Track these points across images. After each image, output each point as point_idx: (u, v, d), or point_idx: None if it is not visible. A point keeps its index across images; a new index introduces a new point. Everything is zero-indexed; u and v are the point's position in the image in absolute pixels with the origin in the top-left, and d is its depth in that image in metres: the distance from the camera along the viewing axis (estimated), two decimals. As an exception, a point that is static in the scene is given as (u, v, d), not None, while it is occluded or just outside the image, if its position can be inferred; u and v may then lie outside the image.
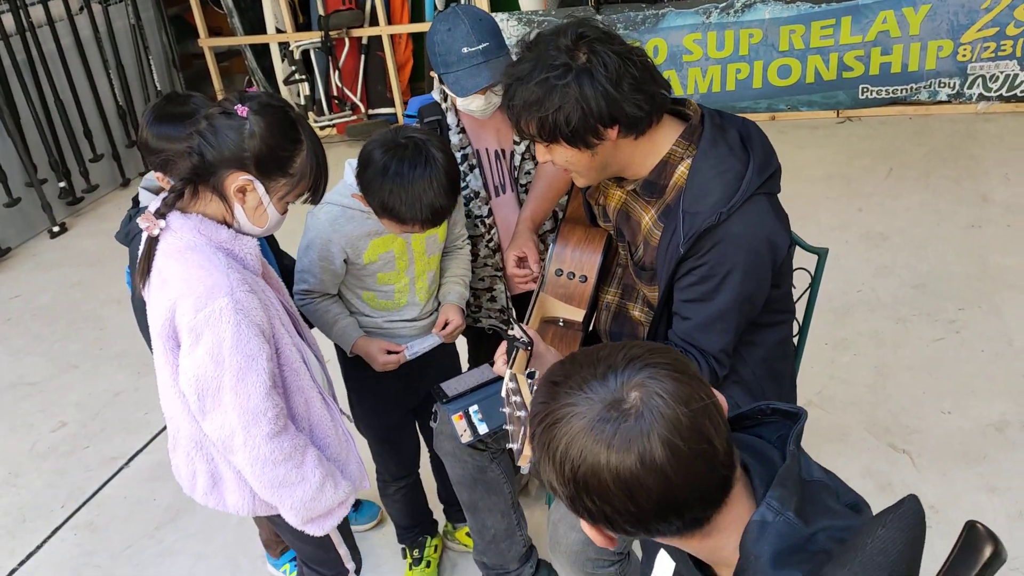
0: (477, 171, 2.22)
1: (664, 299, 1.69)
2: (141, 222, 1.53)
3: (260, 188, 1.52)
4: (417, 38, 5.81)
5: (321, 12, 5.62)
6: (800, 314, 2.07)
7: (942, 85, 5.01)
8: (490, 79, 2.01)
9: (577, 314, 1.93)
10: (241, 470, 1.58)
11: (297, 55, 5.78)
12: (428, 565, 2.44)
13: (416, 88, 6.00)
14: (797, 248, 1.92)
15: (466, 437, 1.89)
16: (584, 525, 1.04)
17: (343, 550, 1.84)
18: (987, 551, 0.92)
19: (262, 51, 6.11)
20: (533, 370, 1.51)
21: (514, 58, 1.62)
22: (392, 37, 5.64)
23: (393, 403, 2.26)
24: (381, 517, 2.68)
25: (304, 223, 2.05)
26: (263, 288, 1.59)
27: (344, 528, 1.83)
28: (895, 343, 3.19)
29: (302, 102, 5.89)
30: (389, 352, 2.10)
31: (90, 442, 3.27)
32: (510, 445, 1.40)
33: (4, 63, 4.84)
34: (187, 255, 1.49)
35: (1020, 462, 2.59)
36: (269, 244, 2.21)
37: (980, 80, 4.94)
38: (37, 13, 5.05)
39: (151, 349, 1.67)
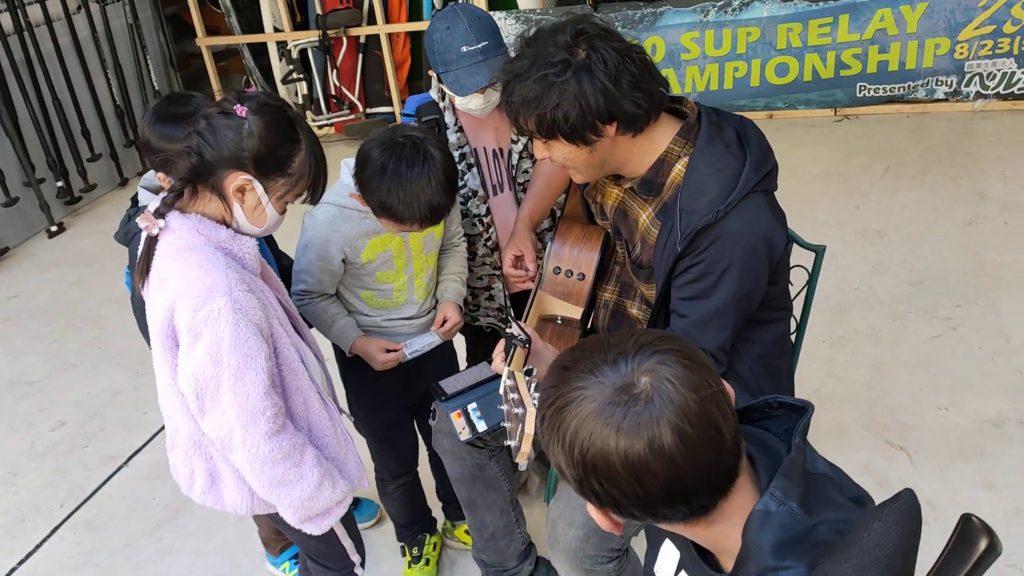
0: (475, 170, 2.22)
1: (661, 297, 1.69)
2: (140, 221, 1.54)
3: (259, 188, 1.53)
4: (415, 37, 5.81)
5: (319, 11, 5.62)
6: (797, 312, 2.07)
7: (939, 83, 5.01)
8: (489, 78, 2.01)
9: (575, 312, 1.94)
10: (239, 469, 1.59)
11: (295, 54, 5.78)
12: (427, 563, 2.44)
13: (414, 87, 6.00)
14: (795, 246, 1.93)
15: (465, 435, 1.89)
16: (591, 509, 1.05)
17: (347, 543, 1.84)
18: (982, 544, 0.93)
19: (260, 50, 6.11)
20: (531, 367, 1.51)
21: (512, 56, 1.62)
22: (390, 36, 5.65)
23: (391, 402, 2.26)
24: (380, 515, 2.68)
25: (301, 223, 2.05)
26: (261, 288, 1.59)
27: (348, 521, 1.84)
28: (892, 340, 3.20)
29: (300, 101, 5.90)
30: (388, 351, 2.10)
31: (89, 441, 3.27)
32: (508, 442, 1.40)
33: (2, 63, 4.84)
34: (186, 255, 1.50)
35: (1017, 458, 2.60)
36: (268, 244, 2.21)
37: (977, 78, 4.95)
38: (35, 12, 5.05)
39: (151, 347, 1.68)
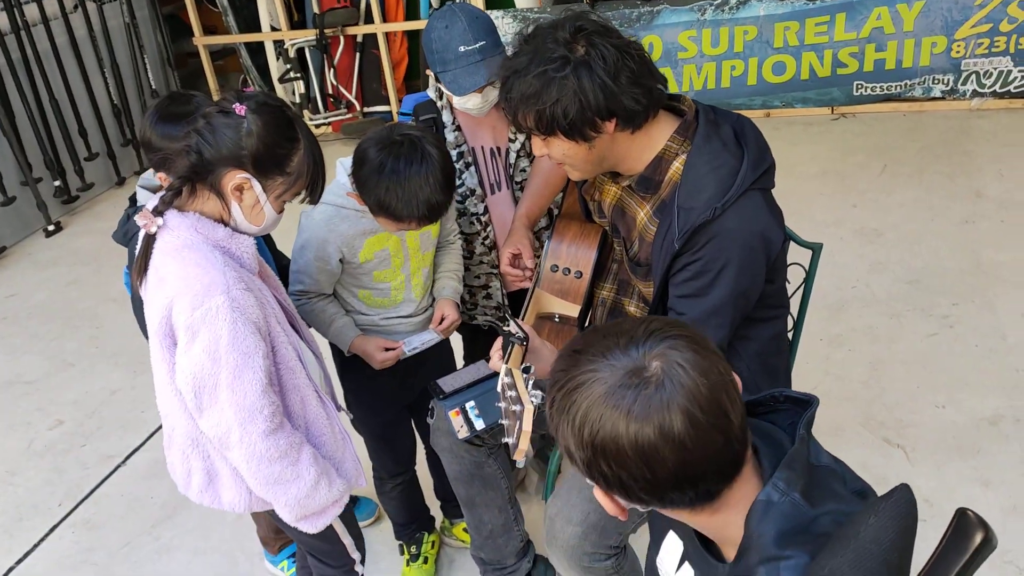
0: (473, 168, 2.23)
1: (659, 295, 1.69)
2: (138, 219, 1.54)
3: (257, 186, 1.53)
4: (412, 36, 5.81)
5: (316, 10, 5.62)
6: (795, 309, 2.08)
7: (936, 81, 5.02)
8: (487, 77, 2.01)
9: (573, 310, 1.94)
10: (237, 467, 1.59)
11: (292, 53, 5.77)
12: (426, 561, 2.45)
13: (411, 86, 6.01)
14: (791, 244, 1.93)
15: (463, 433, 1.90)
16: (597, 493, 1.06)
17: (347, 541, 1.85)
18: (978, 537, 0.93)
19: (257, 49, 6.10)
20: (529, 365, 1.51)
21: (511, 53, 1.62)
22: (387, 35, 5.65)
23: (389, 400, 2.26)
24: (378, 514, 2.69)
25: (298, 224, 2.05)
26: (259, 287, 1.59)
27: (348, 519, 1.84)
28: (889, 338, 3.21)
29: (297, 100, 5.89)
30: (386, 349, 2.11)
31: (87, 440, 3.27)
32: (506, 439, 1.40)
33: (-1, 62, 4.84)
34: (184, 253, 1.50)
35: (1013, 456, 2.60)
36: (267, 244, 2.21)
37: (974, 76, 4.96)
38: (32, 11, 5.04)
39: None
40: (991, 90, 4.97)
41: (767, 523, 0.98)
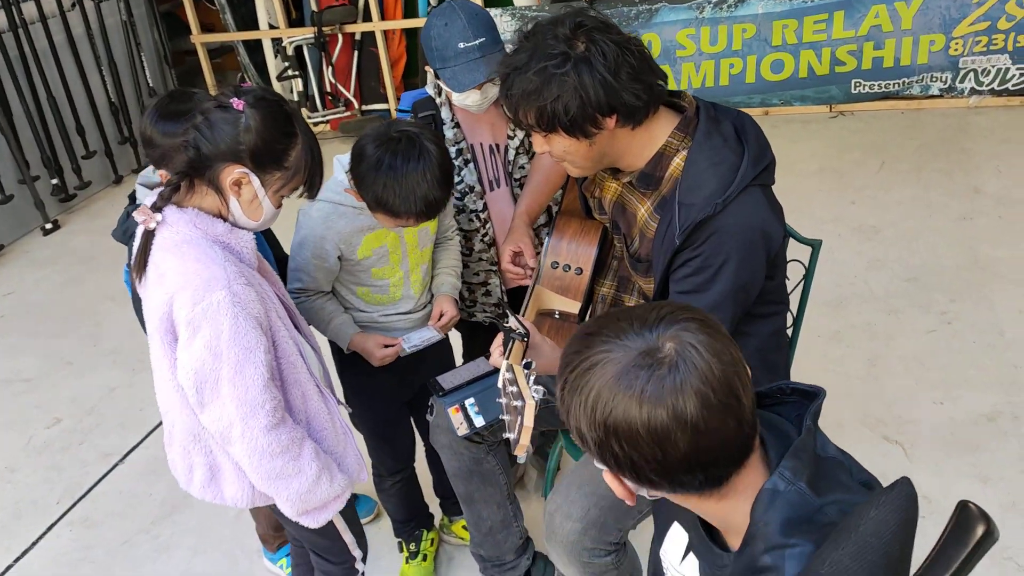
0: (472, 166, 2.23)
1: (660, 291, 1.69)
2: (137, 216, 1.54)
3: (256, 181, 1.53)
4: (410, 34, 5.81)
5: (314, 8, 5.61)
6: (794, 306, 2.08)
7: (934, 79, 5.02)
8: (487, 74, 2.01)
9: (573, 306, 1.94)
10: (238, 462, 1.59)
11: (290, 51, 5.77)
12: (425, 559, 2.45)
13: (409, 84, 6.00)
14: (791, 240, 1.93)
15: (462, 430, 1.90)
16: (606, 475, 1.06)
17: (349, 537, 1.85)
18: (979, 530, 0.94)
19: (255, 47, 6.09)
20: (530, 360, 1.51)
21: (511, 50, 1.62)
22: (385, 33, 5.64)
23: (388, 398, 2.26)
24: (377, 512, 2.69)
25: (296, 221, 2.05)
26: (259, 282, 1.59)
27: (350, 516, 1.84)
28: (888, 335, 3.21)
29: (295, 98, 5.89)
30: (386, 346, 2.10)
31: (85, 438, 3.27)
32: (507, 435, 1.40)
33: (-4, 60, 4.83)
34: (183, 249, 1.50)
35: (1012, 452, 2.61)
36: (265, 238, 2.21)
37: (972, 74, 4.96)
38: (29, 10, 5.03)
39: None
40: (989, 88, 4.98)
41: (773, 511, 0.99)
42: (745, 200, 1.57)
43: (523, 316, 1.86)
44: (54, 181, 5.20)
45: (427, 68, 2.14)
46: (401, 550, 2.48)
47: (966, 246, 3.69)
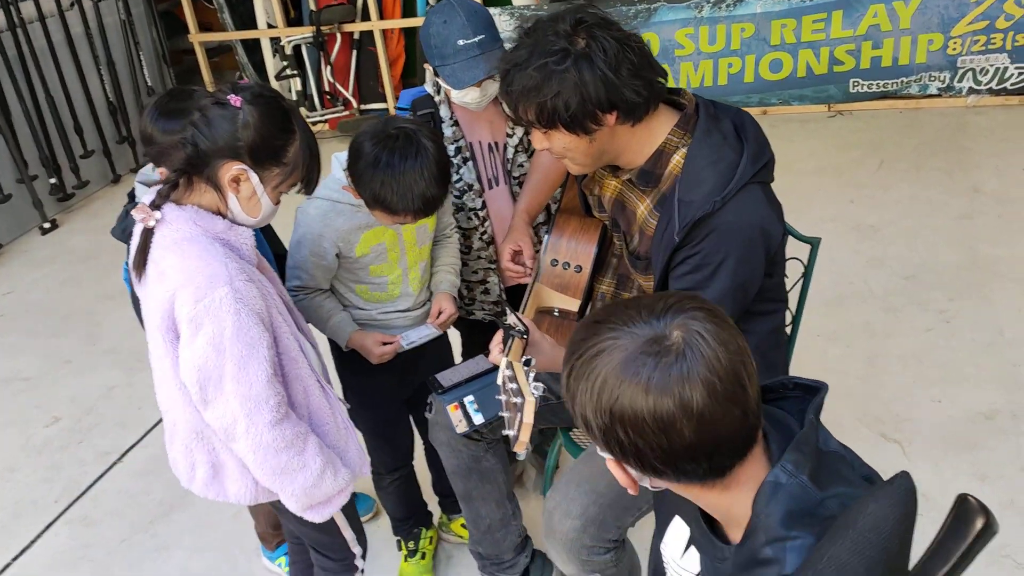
0: (470, 164, 2.22)
1: (659, 288, 1.69)
2: (136, 214, 1.53)
3: (254, 178, 1.53)
4: (409, 33, 5.81)
5: (313, 7, 5.61)
6: (793, 304, 2.08)
7: (932, 79, 5.03)
8: (486, 71, 2.01)
9: (572, 304, 1.94)
10: (243, 458, 1.59)
11: (288, 50, 5.77)
12: (423, 557, 2.45)
13: (408, 83, 5.99)
14: (790, 238, 1.93)
15: (461, 427, 1.90)
16: (610, 463, 1.06)
17: (349, 534, 1.85)
18: (978, 523, 0.94)
19: (253, 46, 6.09)
20: (529, 358, 1.51)
21: (511, 46, 1.62)
22: (384, 32, 5.64)
23: (387, 396, 2.26)
24: (376, 510, 2.69)
25: (294, 219, 2.05)
26: (260, 278, 1.59)
27: (350, 512, 1.84)
28: (886, 334, 3.21)
29: (294, 97, 5.88)
30: (384, 343, 2.10)
31: (84, 437, 3.26)
32: (506, 431, 1.40)
33: (-6, 59, 4.83)
34: (184, 246, 1.50)
35: (1010, 450, 2.61)
36: (265, 234, 2.21)
37: (970, 73, 4.96)
38: (28, 9, 5.02)
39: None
40: (987, 87, 4.98)
41: (775, 504, 0.99)
42: (744, 197, 1.57)
43: (523, 314, 1.86)
44: (52, 180, 5.19)
45: (426, 66, 2.14)
46: (400, 548, 2.47)
47: (965, 245, 3.69)
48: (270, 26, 5.83)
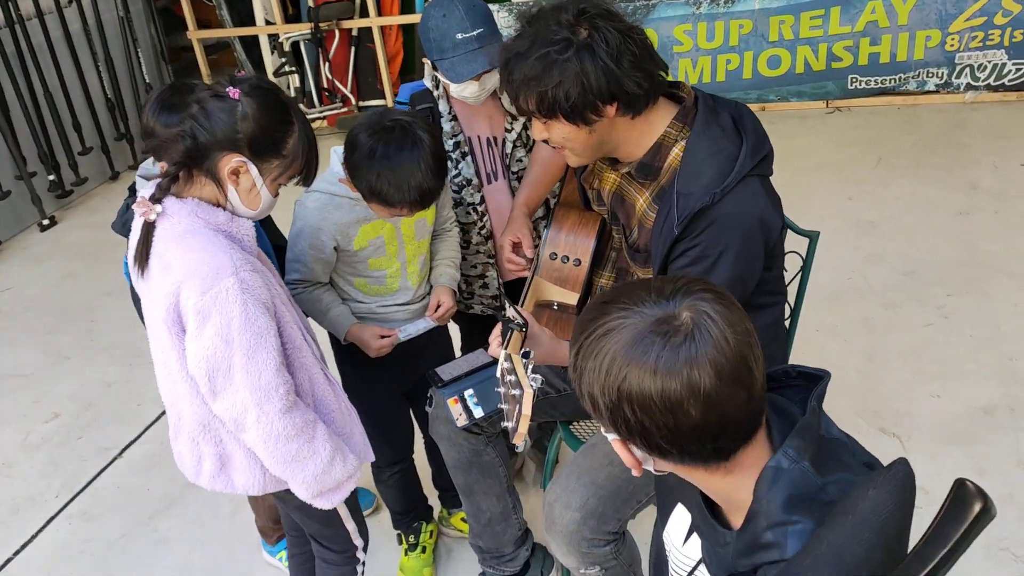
0: (469, 159, 2.23)
1: (658, 281, 1.70)
2: (136, 208, 1.53)
3: (254, 170, 1.53)
4: (407, 30, 5.80)
5: (311, 3, 5.61)
6: (791, 298, 2.08)
7: (930, 75, 5.03)
8: (485, 65, 2.01)
9: (571, 297, 1.95)
10: (253, 447, 1.59)
11: (287, 47, 5.76)
12: (424, 550, 2.45)
13: (406, 80, 5.99)
14: (789, 232, 1.94)
15: (461, 421, 1.90)
16: (615, 443, 1.07)
17: (351, 525, 1.85)
18: (976, 506, 0.95)
19: (251, 43, 6.09)
20: (528, 350, 1.52)
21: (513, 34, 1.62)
22: (382, 28, 5.64)
23: (387, 389, 2.26)
24: (377, 504, 2.69)
25: (293, 212, 2.05)
26: (263, 268, 1.60)
27: (352, 504, 1.85)
28: (885, 329, 3.22)
29: (292, 94, 5.88)
30: (383, 337, 2.11)
31: (83, 433, 3.26)
32: (505, 423, 1.41)
33: (-7, 56, 4.83)
34: (187, 238, 1.50)
35: (1008, 444, 2.62)
36: (266, 227, 2.21)
37: (968, 70, 4.97)
38: (26, 6, 5.02)
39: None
40: (985, 83, 4.99)
41: (776, 489, 1.00)
42: (743, 190, 1.58)
43: (521, 307, 1.86)
44: (51, 177, 5.19)
45: (425, 60, 2.14)
46: (400, 542, 2.48)
47: (963, 241, 3.70)
48: (268, 23, 5.83)
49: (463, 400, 1.89)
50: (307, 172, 1.61)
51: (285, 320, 1.61)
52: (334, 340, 2.18)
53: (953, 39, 4.89)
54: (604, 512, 1.77)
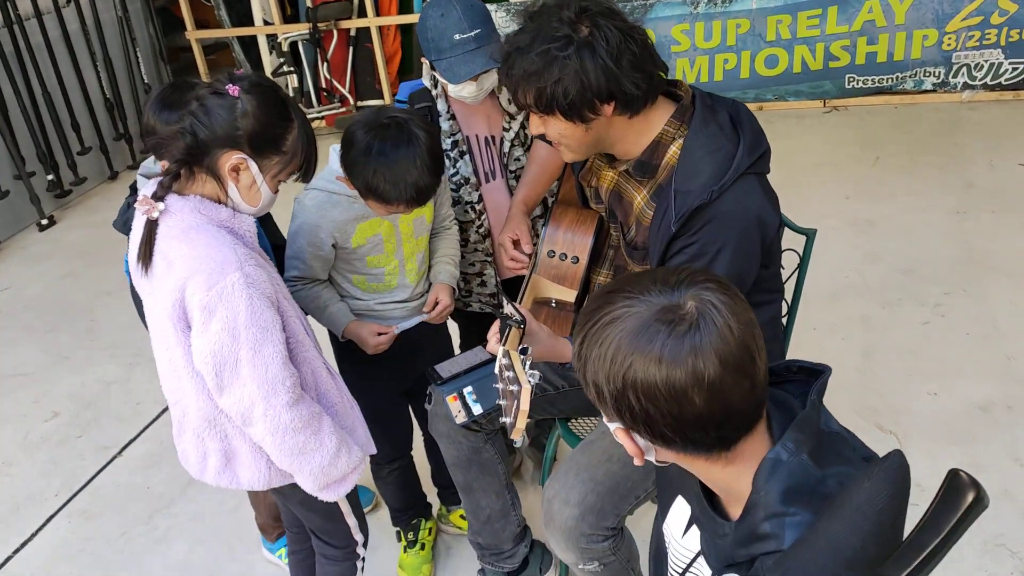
0: (467, 158, 2.24)
1: (656, 279, 1.70)
2: (138, 206, 1.54)
3: (254, 167, 1.54)
4: (405, 29, 5.82)
5: (309, 4, 5.62)
6: (789, 296, 2.09)
7: (927, 74, 5.05)
8: (483, 66, 2.02)
9: (569, 295, 1.95)
10: (260, 441, 1.60)
11: (285, 47, 5.77)
12: (423, 548, 2.46)
13: (404, 80, 6.00)
14: (786, 230, 1.94)
15: (460, 418, 1.91)
16: (618, 432, 1.08)
17: (352, 521, 1.86)
18: (970, 496, 0.96)
19: (250, 43, 6.10)
20: (526, 346, 1.53)
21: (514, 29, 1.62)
22: (380, 29, 5.65)
23: (386, 386, 2.27)
24: (376, 502, 2.70)
25: (291, 210, 2.06)
26: (265, 263, 1.60)
27: (353, 500, 1.86)
28: (883, 327, 3.23)
29: (291, 94, 5.89)
30: (380, 334, 2.11)
31: (83, 431, 3.27)
32: (504, 419, 1.42)
33: (-8, 56, 4.83)
34: (191, 235, 1.51)
35: (1004, 441, 2.63)
36: (264, 224, 2.22)
37: (965, 69, 4.98)
38: (24, 6, 5.03)
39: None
40: (982, 82, 5.00)
41: (775, 481, 1.01)
42: (741, 188, 1.58)
43: (519, 305, 1.87)
44: (50, 177, 5.19)
45: (423, 60, 2.15)
46: (399, 539, 2.49)
47: (960, 239, 3.71)
48: (266, 23, 5.84)
49: (462, 397, 1.91)
50: (307, 169, 1.62)
51: (288, 314, 1.62)
52: (333, 338, 2.19)
53: (950, 38, 4.90)
54: (602, 508, 1.78)
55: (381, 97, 5.85)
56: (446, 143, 2.19)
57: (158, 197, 1.53)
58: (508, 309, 1.63)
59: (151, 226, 1.53)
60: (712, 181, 1.57)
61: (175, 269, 1.50)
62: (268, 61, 5.96)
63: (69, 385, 3.57)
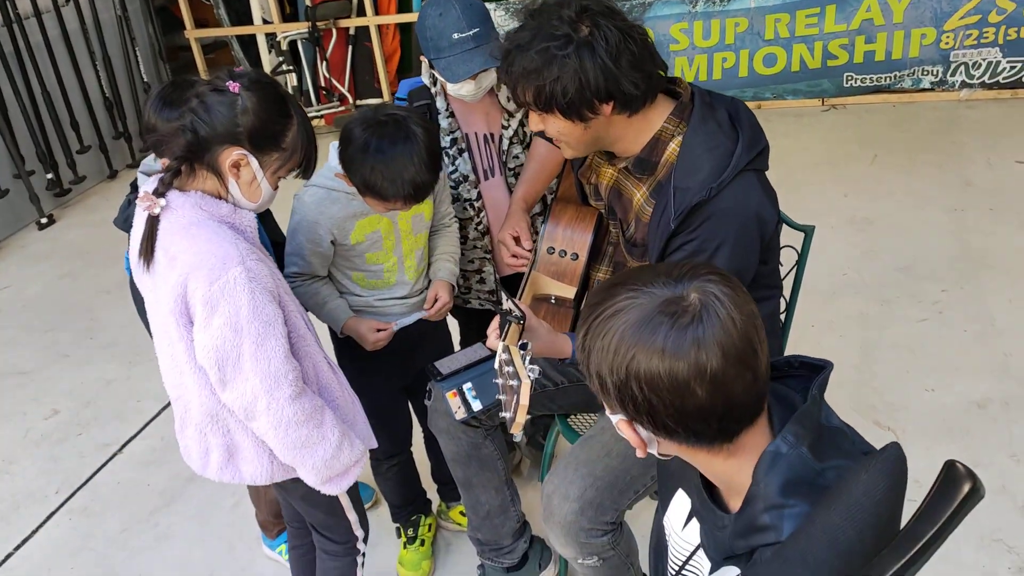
0: (466, 155, 2.24)
1: (655, 276, 1.71)
2: (140, 202, 1.55)
3: (254, 163, 1.55)
4: (404, 28, 5.82)
5: (308, 2, 5.62)
6: (787, 292, 2.10)
7: (925, 73, 5.06)
8: (481, 65, 2.03)
9: (568, 291, 1.96)
10: (263, 435, 1.61)
11: (284, 46, 5.78)
12: (422, 544, 2.47)
13: (403, 79, 6.00)
14: (784, 227, 1.95)
15: (460, 414, 1.92)
16: (621, 424, 1.09)
17: (353, 516, 1.87)
18: (966, 487, 0.97)
19: (249, 42, 6.11)
20: (526, 342, 1.53)
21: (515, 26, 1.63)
22: (380, 27, 5.65)
23: (385, 382, 2.28)
24: (376, 499, 2.71)
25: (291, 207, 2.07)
26: (266, 258, 1.61)
27: (353, 495, 1.86)
28: (880, 324, 3.24)
29: (290, 93, 5.89)
30: (378, 330, 2.12)
31: (83, 429, 3.28)
32: (503, 414, 1.42)
33: (-9, 55, 4.84)
34: (193, 230, 1.51)
35: (1001, 438, 2.64)
36: (264, 221, 2.23)
37: (963, 67, 4.99)
38: (24, 5, 5.04)
39: (151, 335, 1.69)
40: (980, 81, 5.01)
41: (774, 473, 1.02)
42: (740, 184, 1.59)
43: (519, 301, 1.88)
44: (49, 176, 5.20)
45: (422, 58, 2.16)
46: (399, 535, 2.50)
47: (957, 237, 3.72)
48: (266, 22, 5.85)
49: (462, 393, 1.91)
50: (306, 165, 1.63)
51: (289, 309, 1.63)
52: (333, 334, 2.19)
53: (948, 37, 4.92)
54: (602, 503, 1.78)
55: (380, 96, 5.86)
56: (445, 141, 2.20)
57: (159, 193, 1.54)
58: (508, 305, 1.64)
59: (152, 222, 1.54)
60: (711, 178, 1.58)
61: (177, 264, 1.50)
62: (267, 60, 5.96)
63: (69, 383, 3.58)
